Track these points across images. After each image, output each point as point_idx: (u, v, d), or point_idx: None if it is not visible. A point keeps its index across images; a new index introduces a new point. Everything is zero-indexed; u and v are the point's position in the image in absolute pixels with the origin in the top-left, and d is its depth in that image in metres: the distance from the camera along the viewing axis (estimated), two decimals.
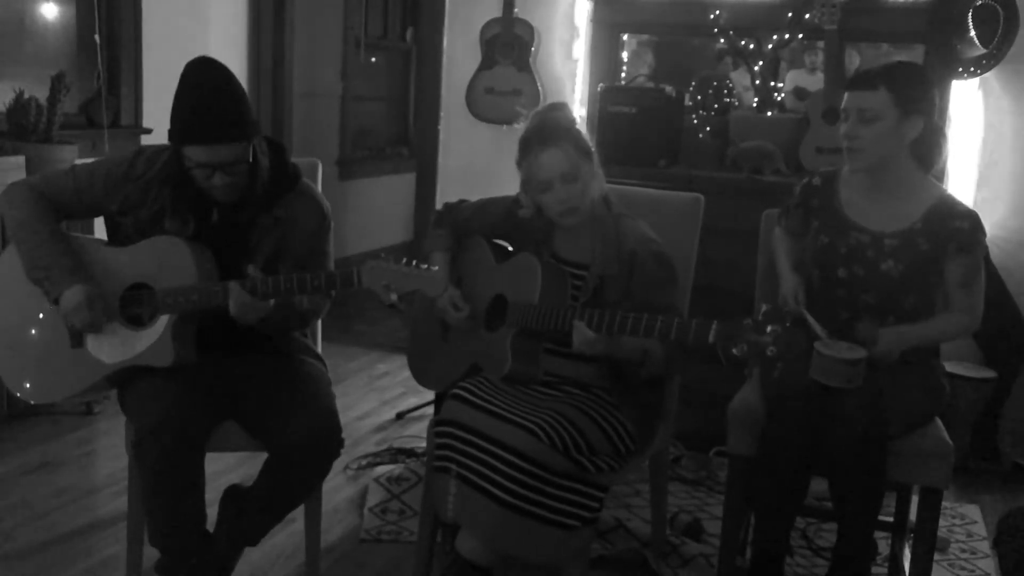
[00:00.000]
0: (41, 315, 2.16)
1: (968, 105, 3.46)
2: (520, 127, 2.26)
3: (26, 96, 3.30)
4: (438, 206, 2.53)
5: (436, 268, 1.98)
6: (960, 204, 2.27)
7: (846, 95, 2.25)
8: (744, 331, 1.82)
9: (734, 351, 1.83)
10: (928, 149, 2.27)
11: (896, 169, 2.26)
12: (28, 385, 2.20)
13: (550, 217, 2.25)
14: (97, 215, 2.26)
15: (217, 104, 2.02)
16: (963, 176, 3.51)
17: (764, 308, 1.83)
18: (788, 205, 2.47)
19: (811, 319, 2.19)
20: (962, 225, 2.22)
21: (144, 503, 2.10)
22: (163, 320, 2.09)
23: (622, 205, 2.32)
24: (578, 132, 2.21)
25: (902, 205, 2.27)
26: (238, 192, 2.11)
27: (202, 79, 2.04)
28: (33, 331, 2.18)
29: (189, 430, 2.02)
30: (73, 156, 3.34)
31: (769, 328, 1.80)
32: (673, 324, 1.93)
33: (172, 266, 2.09)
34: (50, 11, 3.88)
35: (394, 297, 2.04)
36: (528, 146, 2.20)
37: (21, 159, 3.20)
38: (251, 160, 2.09)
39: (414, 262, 1.98)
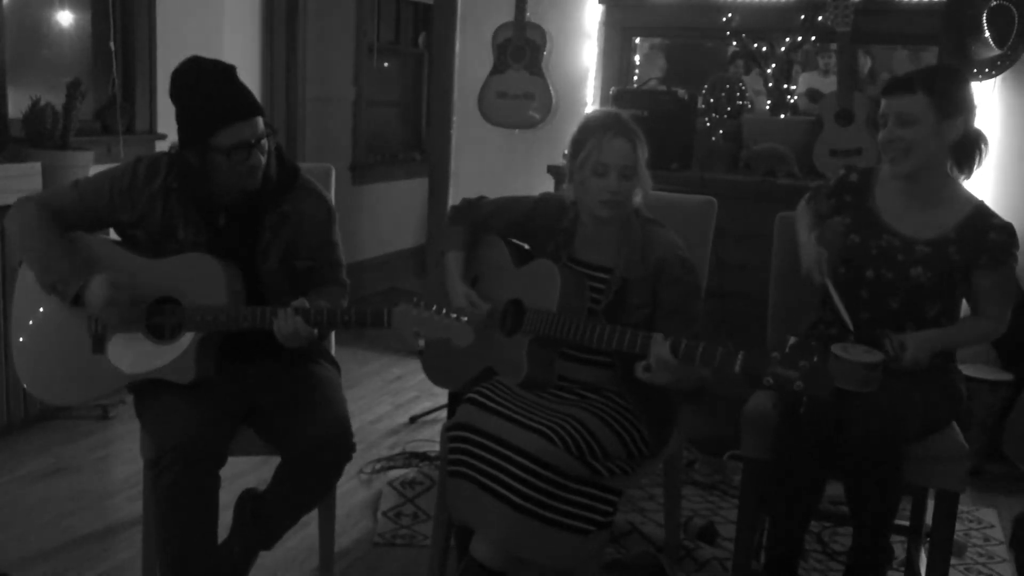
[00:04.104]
0: (65, 319, 2.15)
1: (986, 106, 3.45)
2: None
3: (42, 103, 3.34)
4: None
5: (466, 319, 1.98)
6: (997, 216, 2.24)
7: (883, 101, 2.23)
8: (771, 364, 1.81)
9: (762, 382, 1.81)
10: (966, 154, 2.25)
11: (933, 176, 2.23)
12: (45, 386, 2.20)
13: (586, 205, 2.24)
14: (103, 228, 2.24)
15: (233, 84, 2.09)
16: (983, 178, 3.49)
17: (792, 341, 1.81)
18: (820, 190, 2.45)
19: (835, 295, 2.18)
20: (998, 238, 2.20)
21: (157, 530, 2.06)
22: (188, 337, 2.08)
23: (650, 212, 2.31)
24: (645, 141, 2.24)
25: (937, 213, 2.25)
26: (261, 176, 2.13)
27: (205, 71, 2.09)
28: (55, 334, 2.17)
29: (207, 454, 2.01)
30: (89, 162, 3.37)
31: (797, 363, 1.78)
32: (738, 356, 1.87)
33: (202, 284, 2.09)
34: (66, 18, 3.91)
35: (421, 343, 2.05)
36: (601, 128, 2.20)
37: (37, 165, 3.23)
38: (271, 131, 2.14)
39: (444, 310, 1.98)
